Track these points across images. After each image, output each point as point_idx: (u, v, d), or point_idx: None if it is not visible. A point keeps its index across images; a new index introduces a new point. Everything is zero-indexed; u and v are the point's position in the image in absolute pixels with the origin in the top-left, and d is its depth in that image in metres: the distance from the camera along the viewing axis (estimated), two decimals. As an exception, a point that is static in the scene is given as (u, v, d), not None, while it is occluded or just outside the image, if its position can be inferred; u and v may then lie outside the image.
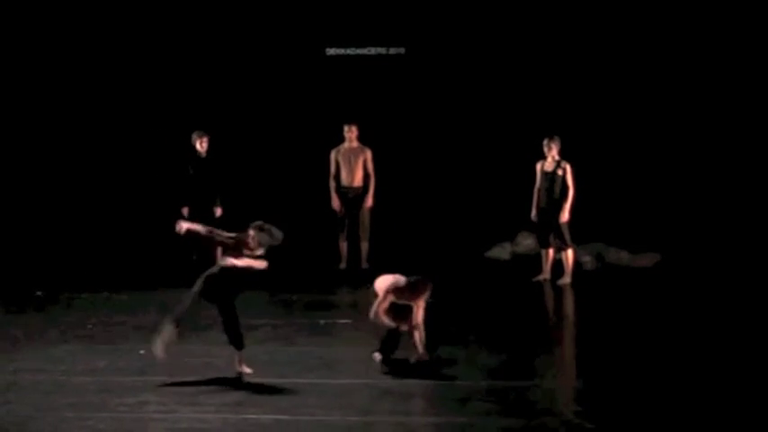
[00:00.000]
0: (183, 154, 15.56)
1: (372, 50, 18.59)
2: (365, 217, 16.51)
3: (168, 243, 16.32)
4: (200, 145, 15.48)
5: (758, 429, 7.91)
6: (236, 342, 9.54)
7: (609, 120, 17.95)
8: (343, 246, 16.61)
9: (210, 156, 15.54)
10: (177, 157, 15.70)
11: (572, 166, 15.10)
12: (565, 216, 15.01)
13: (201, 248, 15.38)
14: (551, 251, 15.32)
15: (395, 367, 9.74)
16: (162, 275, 15.54)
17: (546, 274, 15.28)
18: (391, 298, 9.78)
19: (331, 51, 18.66)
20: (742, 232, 17.24)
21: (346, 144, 16.40)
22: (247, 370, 9.51)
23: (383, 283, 9.93)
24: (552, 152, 15.10)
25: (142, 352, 10.42)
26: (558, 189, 15.06)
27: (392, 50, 18.58)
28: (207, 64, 18.64)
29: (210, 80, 18.61)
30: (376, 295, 9.89)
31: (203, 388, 9.09)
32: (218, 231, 9.80)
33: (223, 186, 15.51)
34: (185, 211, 15.38)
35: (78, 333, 11.57)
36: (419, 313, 9.90)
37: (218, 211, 15.41)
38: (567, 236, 15.04)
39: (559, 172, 15.07)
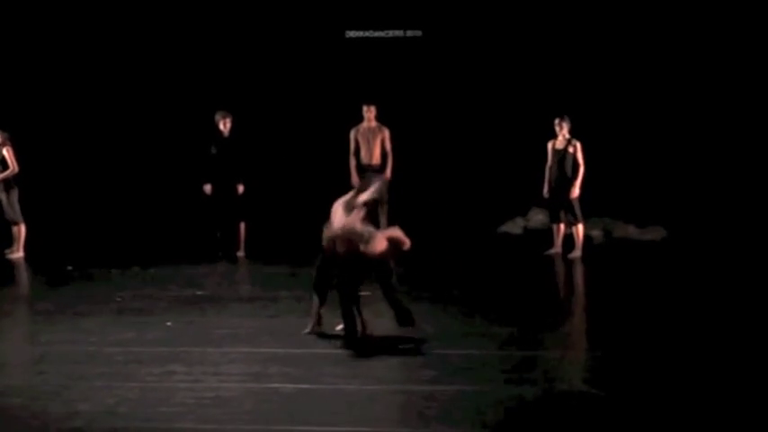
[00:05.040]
0: (207, 134, 15.66)
1: (390, 33, 18.72)
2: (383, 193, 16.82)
3: (194, 219, 16.72)
4: (224, 125, 15.52)
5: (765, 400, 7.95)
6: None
7: (617, 97, 18.04)
8: (363, 220, 16.90)
9: (233, 135, 15.60)
10: (201, 136, 15.81)
11: (582, 144, 15.36)
12: (575, 192, 15.17)
13: (225, 225, 15.76)
14: (562, 226, 15.46)
15: (411, 339, 9.82)
16: (188, 250, 15.86)
17: (557, 248, 15.45)
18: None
19: (350, 34, 18.80)
20: (748, 206, 17.32)
21: (365, 123, 16.53)
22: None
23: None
24: (563, 131, 15.27)
25: (169, 324, 10.71)
26: (568, 166, 15.23)
27: (409, 33, 18.70)
28: (230, 46, 18.81)
29: (233, 62, 18.80)
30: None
31: (227, 358, 9.21)
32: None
33: (245, 165, 15.56)
34: (208, 188, 15.54)
35: (108, 306, 11.69)
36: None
37: (240, 189, 15.50)
38: (578, 211, 15.19)
39: (570, 150, 15.24)
